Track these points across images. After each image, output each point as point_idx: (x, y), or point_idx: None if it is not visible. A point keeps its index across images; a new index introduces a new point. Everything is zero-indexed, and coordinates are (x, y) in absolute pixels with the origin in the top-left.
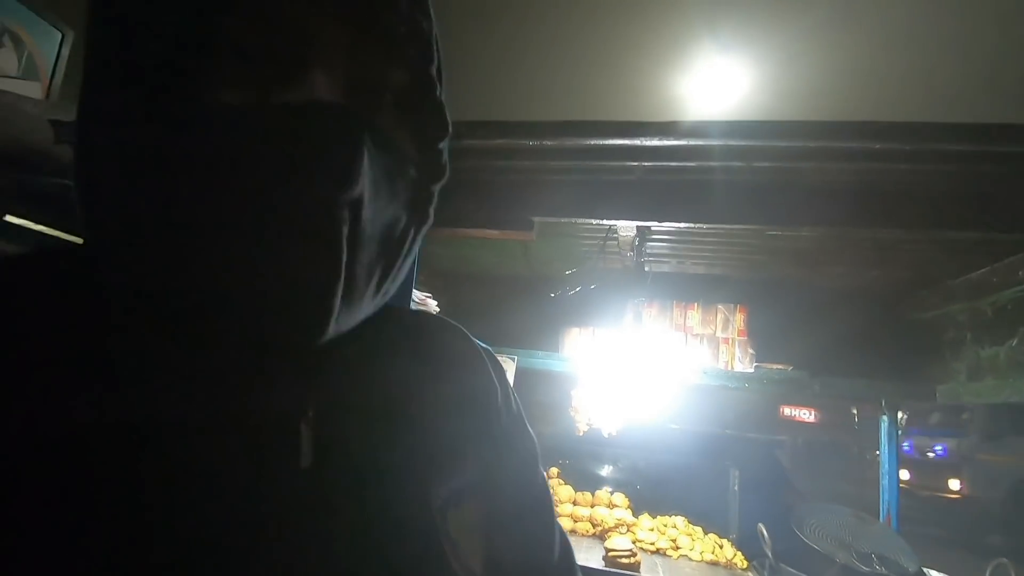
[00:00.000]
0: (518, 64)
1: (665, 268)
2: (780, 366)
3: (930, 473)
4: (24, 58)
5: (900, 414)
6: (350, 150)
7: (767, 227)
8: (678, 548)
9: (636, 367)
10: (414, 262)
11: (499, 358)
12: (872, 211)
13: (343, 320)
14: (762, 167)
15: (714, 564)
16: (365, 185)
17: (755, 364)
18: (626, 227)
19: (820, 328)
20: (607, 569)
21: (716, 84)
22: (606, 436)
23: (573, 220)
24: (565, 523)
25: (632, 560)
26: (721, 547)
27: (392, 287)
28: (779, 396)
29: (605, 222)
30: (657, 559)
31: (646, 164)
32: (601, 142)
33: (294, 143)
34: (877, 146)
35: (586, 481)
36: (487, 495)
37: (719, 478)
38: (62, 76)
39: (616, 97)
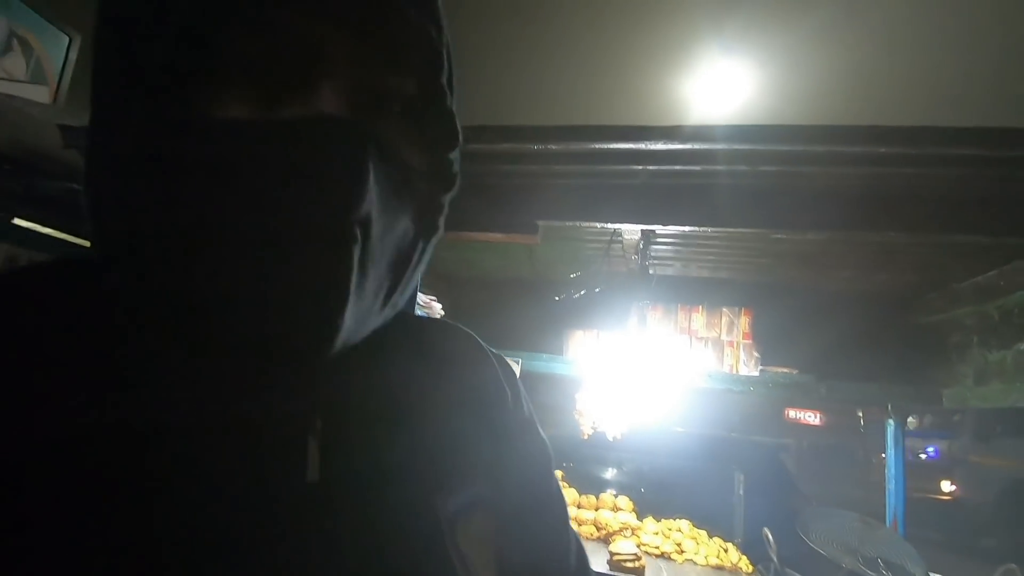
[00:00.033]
0: (523, 68)
1: (670, 271)
2: (785, 370)
3: (922, 475)
4: (32, 62)
5: (912, 420)
6: (356, 166)
7: (772, 231)
8: (683, 552)
9: (640, 370)
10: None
11: None
12: (878, 215)
13: (351, 334)
14: (767, 171)
15: (719, 568)
16: (373, 201)
17: (760, 368)
18: (631, 230)
19: (826, 331)
20: (612, 573)
21: (721, 87)
22: (610, 439)
23: (578, 224)
24: None
25: (637, 564)
26: (726, 551)
27: (401, 299)
28: (784, 399)
29: (610, 225)
30: (662, 563)
31: (651, 168)
32: (606, 146)
33: (298, 160)
34: (883, 150)
35: (590, 484)
36: (499, 504)
37: (724, 482)
38: (69, 80)
39: (621, 100)
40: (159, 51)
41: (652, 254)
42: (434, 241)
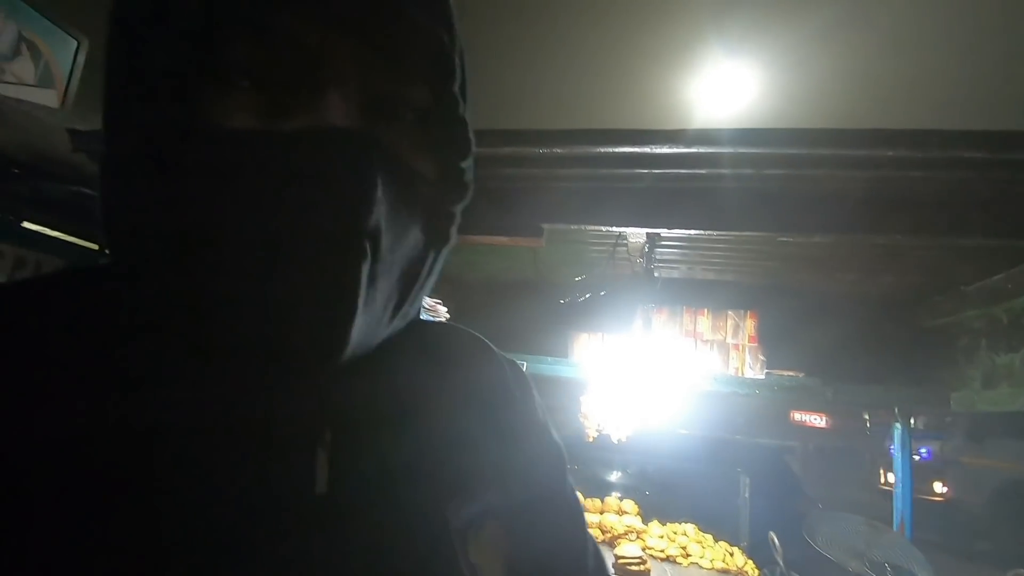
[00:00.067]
0: (526, 71)
1: (675, 274)
2: (791, 372)
3: (915, 476)
4: (41, 66)
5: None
6: (363, 177)
7: (778, 234)
8: (688, 556)
9: (646, 373)
10: None
11: None
12: (884, 218)
13: (360, 345)
14: (772, 174)
15: (725, 572)
16: (381, 212)
17: (766, 370)
18: (636, 233)
19: (832, 334)
20: None
21: (725, 88)
22: (615, 442)
23: (583, 226)
24: None
25: (642, 568)
26: (732, 555)
27: (412, 310)
28: (789, 401)
29: (615, 228)
30: (667, 567)
31: (656, 171)
32: (610, 150)
33: (304, 171)
34: (889, 153)
35: (595, 487)
36: (510, 508)
37: (729, 485)
38: (77, 83)
39: (625, 102)
40: (165, 59)
41: (657, 257)
42: (446, 251)
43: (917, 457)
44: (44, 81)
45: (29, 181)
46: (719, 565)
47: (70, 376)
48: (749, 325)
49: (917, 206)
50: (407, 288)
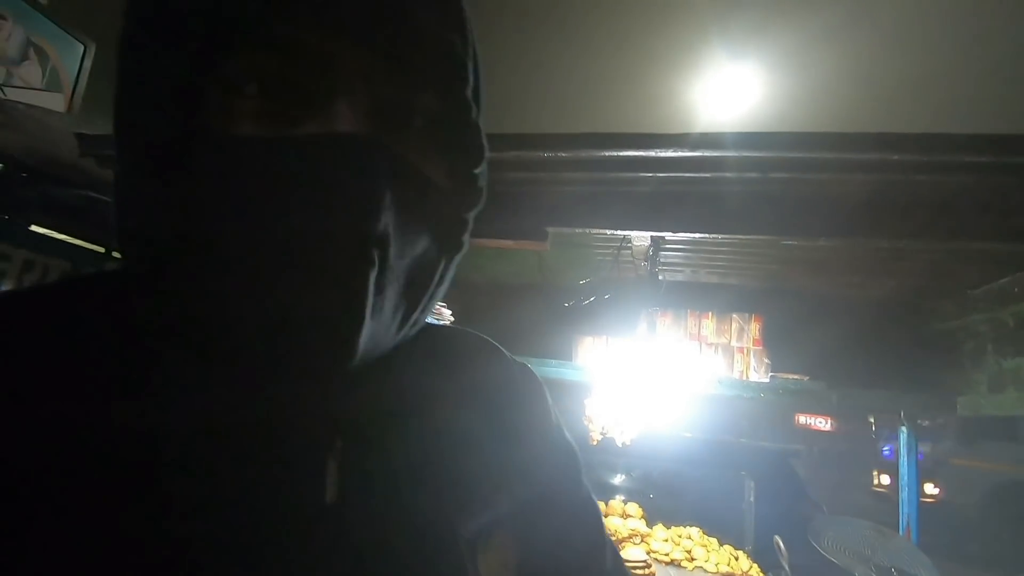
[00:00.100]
0: (531, 75)
1: (679, 277)
2: (796, 376)
3: None
4: (48, 70)
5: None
6: (372, 184)
7: (782, 237)
8: (693, 559)
9: (650, 376)
10: None
11: None
12: (889, 221)
13: (368, 352)
14: (777, 177)
15: None
16: (390, 219)
17: (771, 374)
18: (640, 237)
19: (837, 337)
20: None
21: (729, 91)
22: (620, 445)
23: (587, 230)
24: None
25: (646, 572)
26: (737, 559)
27: (423, 317)
28: (794, 405)
29: (619, 232)
30: (672, 570)
31: (660, 175)
32: (615, 153)
33: (312, 178)
34: (894, 157)
35: (599, 491)
36: (518, 514)
37: (734, 488)
38: (84, 88)
39: (629, 105)
40: (175, 67)
41: (662, 260)
42: (457, 258)
43: None
44: (51, 85)
45: (37, 185)
46: (724, 569)
47: (80, 382)
48: (753, 328)
49: (922, 210)
50: (417, 295)
